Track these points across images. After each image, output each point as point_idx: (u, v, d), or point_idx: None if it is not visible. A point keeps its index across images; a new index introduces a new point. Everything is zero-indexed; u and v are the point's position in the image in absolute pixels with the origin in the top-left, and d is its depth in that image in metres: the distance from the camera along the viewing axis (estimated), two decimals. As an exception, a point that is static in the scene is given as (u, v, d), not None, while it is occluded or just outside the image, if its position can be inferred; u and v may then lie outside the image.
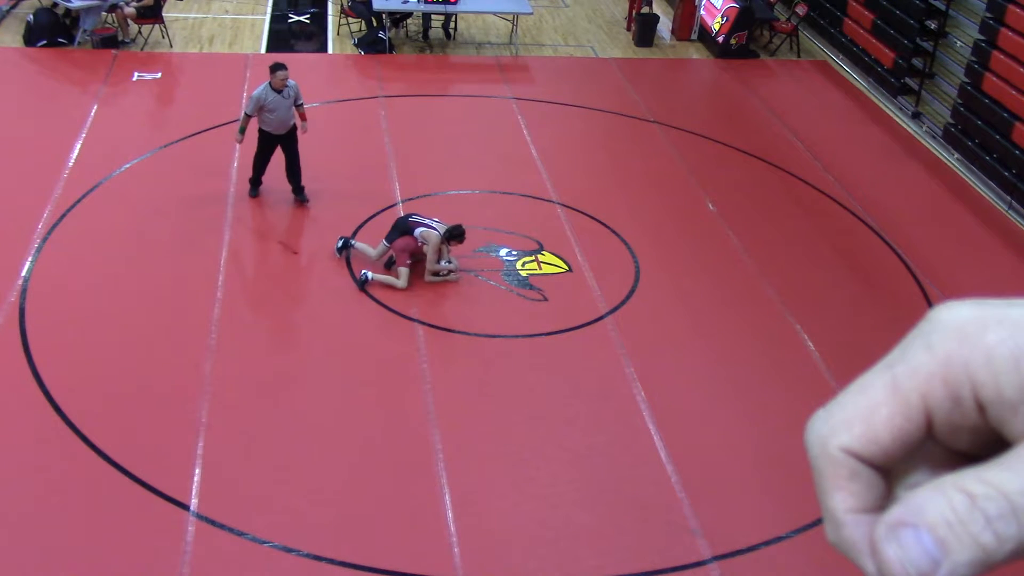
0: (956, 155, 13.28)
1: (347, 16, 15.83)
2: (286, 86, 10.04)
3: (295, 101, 10.23)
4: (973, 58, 13.18)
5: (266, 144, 10.35)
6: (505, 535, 6.88)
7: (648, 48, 16.57)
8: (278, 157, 10.48)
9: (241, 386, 8.05)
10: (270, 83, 10.00)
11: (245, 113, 10.20)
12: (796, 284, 10.09)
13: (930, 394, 0.53)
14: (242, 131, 10.32)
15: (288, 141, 10.37)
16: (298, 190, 10.64)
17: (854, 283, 10.33)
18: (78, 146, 11.49)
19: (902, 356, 0.55)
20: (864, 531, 0.54)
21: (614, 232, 10.69)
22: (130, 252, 9.63)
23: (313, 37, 15.98)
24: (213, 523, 6.71)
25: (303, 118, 10.41)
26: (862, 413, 0.55)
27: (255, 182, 10.64)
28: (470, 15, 16.51)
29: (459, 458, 7.47)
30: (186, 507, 6.81)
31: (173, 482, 6.99)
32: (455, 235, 9.31)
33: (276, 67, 10.04)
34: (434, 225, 9.38)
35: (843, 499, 0.55)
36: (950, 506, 0.50)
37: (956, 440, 0.55)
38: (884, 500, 0.55)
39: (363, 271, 9.43)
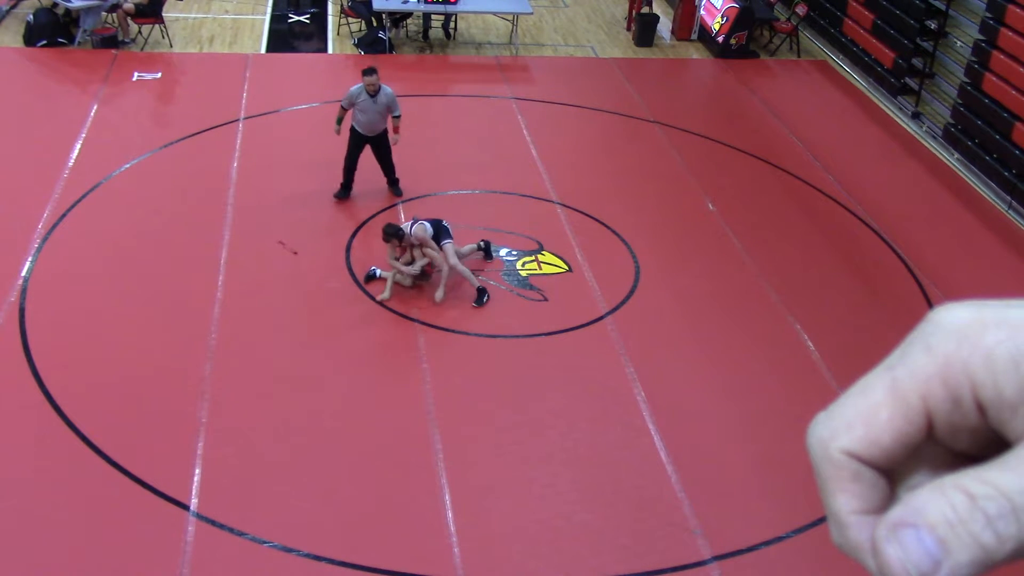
0: (956, 155, 13.29)
1: (347, 16, 15.83)
2: (377, 91, 10.23)
3: (391, 110, 10.45)
4: (973, 58, 13.18)
5: (355, 142, 10.57)
6: (505, 535, 6.88)
7: (648, 48, 16.57)
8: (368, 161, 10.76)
9: (241, 386, 8.05)
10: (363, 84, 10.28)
11: (341, 105, 10.49)
12: (796, 284, 10.09)
13: (930, 395, 0.53)
14: (338, 122, 10.60)
15: (377, 145, 10.63)
16: (392, 183, 11.02)
17: (854, 283, 10.33)
18: (78, 146, 11.49)
19: (902, 358, 0.55)
20: (869, 532, 0.54)
21: (614, 232, 10.69)
22: (130, 252, 9.63)
23: (313, 37, 15.97)
24: (213, 523, 6.71)
25: (395, 131, 10.66)
26: (863, 415, 0.55)
27: (346, 184, 10.80)
28: (470, 15, 16.51)
29: (459, 458, 7.47)
30: (186, 507, 6.81)
31: (173, 482, 6.99)
32: (384, 231, 9.14)
33: (365, 71, 10.25)
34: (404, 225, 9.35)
35: (846, 501, 0.55)
36: (951, 506, 0.50)
37: (957, 441, 0.55)
38: (887, 501, 0.55)
39: (372, 267, 9.50)
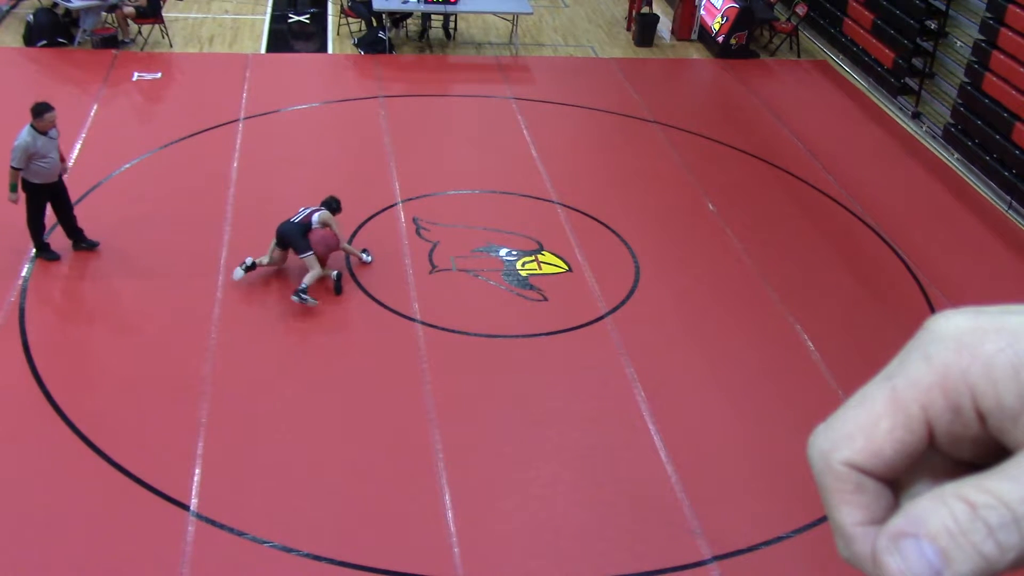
0: (956, 155, 13.28)
1: (347, 16, 15.83)
2: (54, 127, 9.02)
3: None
4: (973, 58, 13.17)
5: (37, 199, 9.16)
6: (505, 535, 6.88)
7: (648, 48, 16.56)
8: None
9: (241, 386, 8.05)
10: (33, 127, 8.87)
11: (14, 167, 8.89)
12: (796, 284, 10.09)
13: (930, 405, 0.53)
14: (14, 188, 9.02)
15: (59, 188, 9.28)
16: (80, 239, 9.54)
17: (854, 283, 10.33)
18: (78, 146, 11.48)
19: (900, 368, 0.55)
20: None
21: (614, 232, 10.69)
22: (130, 252, 9.63)
23: (313, 37, 15.97)
24: (213, 523, 6.71)
25: (63, 159, 9.33)
26: (863, 426, 0.55)
27: (44, 246, 9.41)
28: (470, 15, 16.50)
29: (459, 458, 7.47)
30: (186, 507, 6.81)
31: (173, 482, 6.99)
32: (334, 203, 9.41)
33: (44, 108, 8.93)
34: (316, 208, 9.29)
35: (850, 513, 0.55)
36: (951, 515, 0.50)
37: (958, 450, 0.55)
38: (891, 511, 0.55)
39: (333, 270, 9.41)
